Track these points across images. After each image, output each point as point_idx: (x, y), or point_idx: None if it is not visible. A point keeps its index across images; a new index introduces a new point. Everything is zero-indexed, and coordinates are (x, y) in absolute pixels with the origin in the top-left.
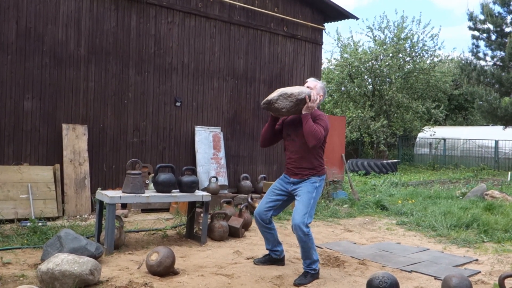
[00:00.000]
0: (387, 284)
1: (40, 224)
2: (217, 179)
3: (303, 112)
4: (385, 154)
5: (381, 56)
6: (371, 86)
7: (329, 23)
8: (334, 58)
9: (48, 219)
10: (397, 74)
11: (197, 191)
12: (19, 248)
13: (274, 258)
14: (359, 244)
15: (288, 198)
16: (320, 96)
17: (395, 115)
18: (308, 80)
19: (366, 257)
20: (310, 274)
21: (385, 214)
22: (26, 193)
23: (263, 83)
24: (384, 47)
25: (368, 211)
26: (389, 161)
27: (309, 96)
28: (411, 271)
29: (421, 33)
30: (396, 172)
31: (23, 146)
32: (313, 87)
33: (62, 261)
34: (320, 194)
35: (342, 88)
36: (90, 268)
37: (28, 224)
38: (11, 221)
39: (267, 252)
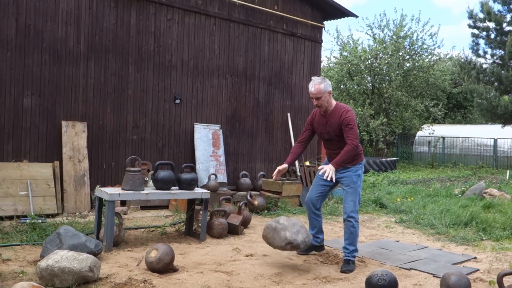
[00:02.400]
0: (386, 282)
1: (39, 221)
2: (216, 176)
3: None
4: (384, 152)
5: (381, 54)
6: (370, 84)
7: (329, 21)
8: (334, 56)
9: (48, 216)
10: (397, 72)
11: (196, 188)
12: (18, 245)
13: (314, 245)
14: (358, 241)
15: (334, 185)
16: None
17: (394, 113)
18: (310, 90)
19: (365, 254)
20: (352, 261)
21: (384, 212)
22: (25, 190)
23: (262, 80)
24: (384, 45)
25: (367, 209)
26: (388, 159)
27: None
28: (409, 269)
29: (421, 32)
30: (395, 170)
31: (22, 143)
32: (320, 96)
33: (62, 258)
34: (362, 178)
35: (342, 86)
36: (90, 265)
37: (28, 220)
38: (10, 217)
39: (266, 249)
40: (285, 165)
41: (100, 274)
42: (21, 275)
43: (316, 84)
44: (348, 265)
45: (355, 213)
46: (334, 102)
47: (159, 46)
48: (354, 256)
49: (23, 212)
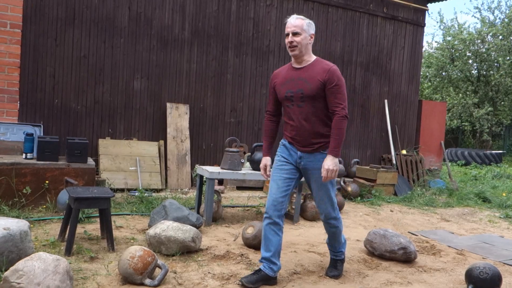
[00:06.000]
0: (489, 275)
1: (146, 194)
2: None
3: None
4: (488, 144)
5: (489, 38)
6: (475, 71)
7: (433, 3)
8: (435, 41)
9: (153, 190)
10: (507, 58)
11: None
12: (129, 215)
13: (268, 274)
14: (457, 234)
15: (299, 175)
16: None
17: (502, 102)
18: (289, 21)
19: (464, 247)
20: (340, 260)
21: (487, 206)
22: (134, 165)
23: (359, 66)
24: (493, 28)
25: (468, 202)
26: (493, 151)
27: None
28: None
29: None
30: (501, 164)
31: (132, 123)
32: (300, 32)
33: (168, 228)
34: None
35: (443, 72)
36: (192, 236)
37: (136, 194)
38: (121, 190)
39: (360, 234)
40: (268, 158)
41: (201, 246)
42: (132, 240)
43: (299, 18)
44: (334, 269)
45: (335, 211)
46: (314, 56)
47: (257, 31)
48: (343, 252)
49: (132, 186)
